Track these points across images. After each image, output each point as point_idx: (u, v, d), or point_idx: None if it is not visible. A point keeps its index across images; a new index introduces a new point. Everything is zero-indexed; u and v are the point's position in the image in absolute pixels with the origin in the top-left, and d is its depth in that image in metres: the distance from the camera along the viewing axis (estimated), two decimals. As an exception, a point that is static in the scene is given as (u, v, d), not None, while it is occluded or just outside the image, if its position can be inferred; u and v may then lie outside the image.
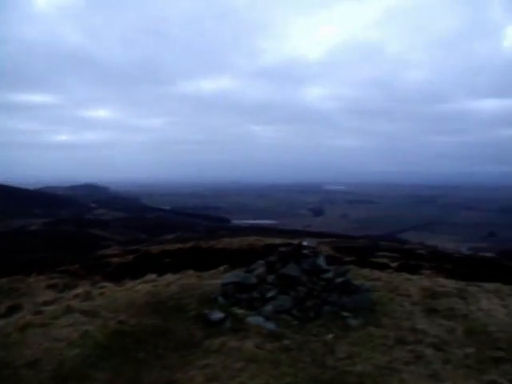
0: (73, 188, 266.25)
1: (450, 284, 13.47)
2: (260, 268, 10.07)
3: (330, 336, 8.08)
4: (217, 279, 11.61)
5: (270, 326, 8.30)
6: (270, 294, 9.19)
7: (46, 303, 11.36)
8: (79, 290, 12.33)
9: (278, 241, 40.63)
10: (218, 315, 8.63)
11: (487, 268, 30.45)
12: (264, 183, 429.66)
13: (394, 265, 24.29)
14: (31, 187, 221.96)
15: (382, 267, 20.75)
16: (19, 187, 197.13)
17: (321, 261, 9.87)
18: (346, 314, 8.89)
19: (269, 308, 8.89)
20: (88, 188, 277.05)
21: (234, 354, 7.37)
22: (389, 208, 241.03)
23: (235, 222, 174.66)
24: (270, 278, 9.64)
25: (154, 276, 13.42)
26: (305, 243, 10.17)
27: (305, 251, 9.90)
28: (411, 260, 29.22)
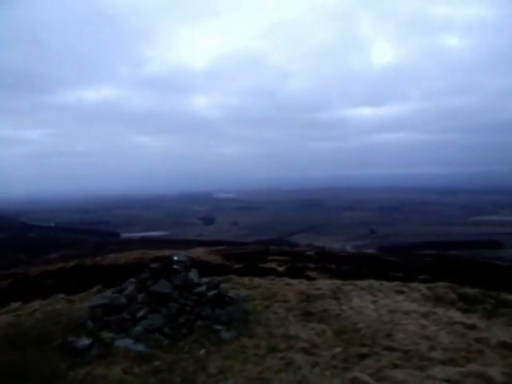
0: None
1: (326, 285, 14.01)
2: (130, 287, 9.65)
3: (202, 352, 7.92)
4: (88, 302, 10.95)
5: (140, 347, 7.91)
6: (140, 314, 8.79)
7: None
8: None
9: (167, 252, 39.86)
10: (84, 342, 8.05)
11: (368, 264, 32.49)
12: (153, 194, 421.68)
13: (281, 269, 24.88)
14: None
15: (270, 272, 21.14)
16: None
17: (193, 275, 9.70)
18: (219, 327, 8.78)
19: (139, 328, 8.48)
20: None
21: (101, 382, 6.93)
22: (277, 213, 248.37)
23: (124, 235, 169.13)
24: (141, 296, 9.25)
25: (18, 304, 12.32)
26: (175, 258, 9.94)
27: (176, 266, 9.67)
28: (299, 262, 30.21)
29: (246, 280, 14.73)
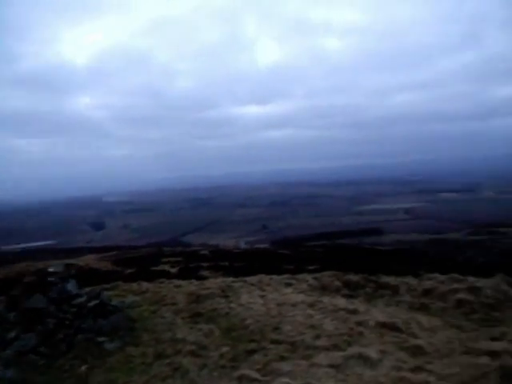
0: None
1: (215, 284, 13.97)
2: (-1, 306, 8.80)
3: (84, 368, 7.39)
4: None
5: (10, 373, 7.18)
6: (11, 335, 8.00)
7: None
8: None
9: (52, 263, 37.55)
10: None
11: (260, 259, 33.14)
12: (36, 201, 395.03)
13: (174, 270, 24.46)
14: None
15: (161, 275, 20.62)
16: None
17: (71, 286, 9.07)
18: (101, 338, 8.26)
19: (9, 352, 7.71)
20: None
21: None
22: (170, 213, 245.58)
23: (3, 248, 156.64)
24: (12, 315, 8.45)
25: None
26: (51, 269, 9.25)
27: (52, 278, 8.98)
28: (193, 262, 29.98)
29: (134, 286, 14.23)
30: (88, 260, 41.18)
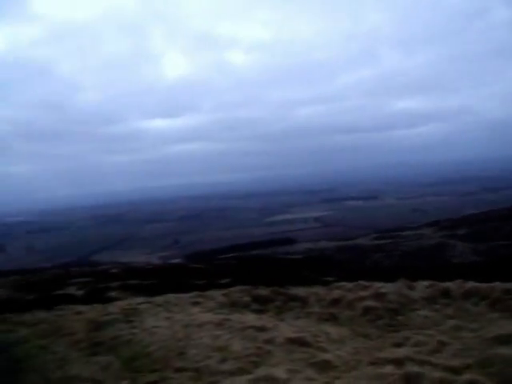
0: None
1: (118, 308, 13.16)
2: None
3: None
4: None
5: None
6: None
7: None
8: None
9: None
10: None
11: (173, 274, 32.20)
12: None
13: (80, 293, 22.97)
14: None
15: (66, 300, 19.17)
16: None
17: None
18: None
19: None
20: None
21: None
22: (77, 232, 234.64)
23: None
24: None
25: None
26: None
27: None
28: (102, 282, 28.41)
29: (27, 317, 12.95)
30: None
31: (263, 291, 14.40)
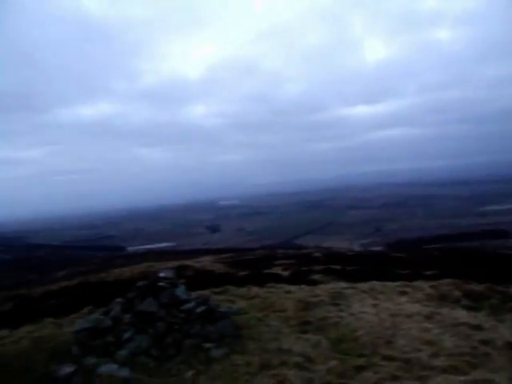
0: None
1: (326, 291, 13.52)
2: (116, 307, 9.18)
3: (190, 373, 7.42)
4: (75, 325, 10.50)
5: (124, 372, 7.40)
6: (126, 336, 8.29)
7: None
8: None
9: (170, 264, 39.46)
10: (66, 370, 7.58)
11: (375, 262, 31.97)
12: (157, 206, 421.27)
13: (286, 274, 24.37)
14: None
15: (272, 279, 20.60)
16: None
17: (180, 291, 9.23)
18: (208, 345, 8.28)
19: (124, 352, 8.00)
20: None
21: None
22: (282, 216, 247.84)
23: (130, 249, 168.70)
24: (127, 317, 8.76)
25: (5, 332, 11.86)
26: (162, 274, 9.50)
27: (161, 283, 9.22)
28: (306, 265, 29.68)
29: (243, 290, 14.21)
30: (204, 262, 42.68)
31: (476, 287, 13.30)
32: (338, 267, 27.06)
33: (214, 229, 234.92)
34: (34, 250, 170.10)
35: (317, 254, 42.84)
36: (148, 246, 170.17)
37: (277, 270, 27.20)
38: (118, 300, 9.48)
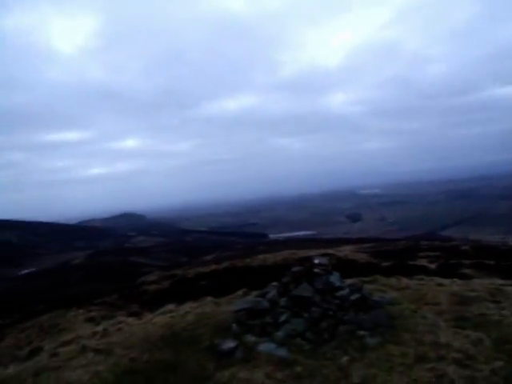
0: (111, 218, 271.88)
1: (482, 286, 12.74)
2: (272, 291, 9.70)
3: (345, 359, 7.57)
4: (233, 305, 11.29)
5: (282, 352, 7.87)
6: (282, 318, 8.76)
7: (64, 343, 11.30)
8: (99, 328, 12.25)
9: (312, 252, 40.02)
10: (229, 345, 8.29)
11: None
12: (297, 194, 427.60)
13: (432, 266, 23.46)
14: (72, 222, 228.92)
15: (419, 271, 19.93)
16: (62, 223, 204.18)
17: (334, 278, 9.41)
18: (362, 332, 8.36)
19: (281, 333, 8.47)
20: (125, 217, 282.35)
21: (242, 385, 7.01)
22: (427, 206, 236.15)
23: (272, 236, 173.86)
24: (283, 300, 9.23)
25: (172, 306, 13.22)
26: (316, 261, 9.75)
27: (317, 269, 9.47)
28: (452, 258, 28.18)
29: (392, 281, 14.00)
30: (345, 251, 42.55)
31: None
32: (491, 262, 25.19)
33: (354, 218, 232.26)
34: (184, 235, 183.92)
35: (465, 247, 40.28)
36: (288, 234, 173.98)
37: (422, 262, 26.23)
38: (274, 284, 9.99)
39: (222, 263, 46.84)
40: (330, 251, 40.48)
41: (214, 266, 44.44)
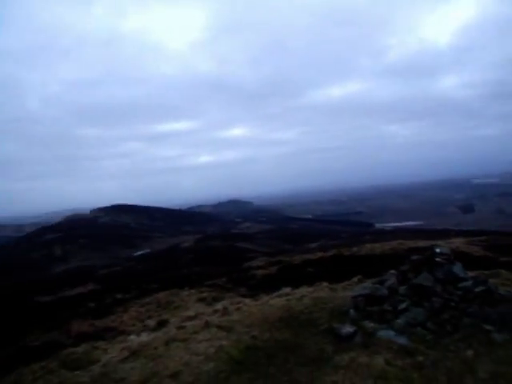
0: (218, 205, 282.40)
1: None
2: (391, 278, 9.60)
3: (470, 352, 7.32)
4: (349, 291, 11.37)
5: (402, 340, 7.82)
6: (401, 306, 8.66)
7: (188, 318, 12.17)
8: (219, 306, 12.99)
9: (421, 243, 38.63)
10: (348, 329, 8.41)
11: None
12: (405, 183, 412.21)
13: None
14: (182, 207, 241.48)
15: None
16: (173, 208, 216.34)
17: (457, 269, 9.10)
18: (488, 327, 8.00)
19: (401, 321, 8.39)
20: (232, 204, 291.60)
21: (363, 370, 7.05)
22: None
23: (378, 225, 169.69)
24: (402, 289, 9.11)
25: (288, 289, 13.62)
26: (438, 250, 9.48)
27: (438, 259, 9.22)
28: None
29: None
30: (456, 243, 40.57)
31: None
32: None
33: (466, 209, 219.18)
34: (288, 222, 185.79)
35: None
36: (395, 224, 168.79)
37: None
38: (392, 272, 9.89)
39: (328, 251, 46.90)
40: (439, 242, 38.82)
41: (320, 254, 44.66)
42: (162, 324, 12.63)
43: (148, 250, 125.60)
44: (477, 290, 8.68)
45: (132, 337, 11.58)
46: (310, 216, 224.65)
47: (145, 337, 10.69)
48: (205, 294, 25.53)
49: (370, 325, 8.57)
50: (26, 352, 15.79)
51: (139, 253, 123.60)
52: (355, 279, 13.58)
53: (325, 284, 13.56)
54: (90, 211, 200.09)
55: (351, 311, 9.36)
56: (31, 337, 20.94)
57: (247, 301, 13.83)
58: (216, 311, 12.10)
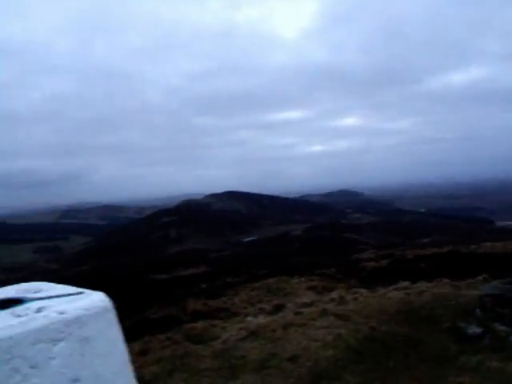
0: (329, 195, 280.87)
1: None
2: (526, 280, 8.99)
3: None
4: (474, 290, 10.79)
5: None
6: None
7: (305, 305, 12.37)
8: (334, 295, 13.04)
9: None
10: (474, 330, 8.01)
11: None
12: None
13: None
14: (292, 196, 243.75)
15: None
16: (283, 197, 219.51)
17: None
18: None
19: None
20: (343, 194, 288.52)
21: (494, 375, 6.69)
22: None
23: (500, 223, 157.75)
24: (538, 291, 8.52)
25: (406, 283, 13.27)
26: None
27: None
28: None
29: None
30: None
31: None
32: None
33: None
34: (399, 215, 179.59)
35: None
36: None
37: None
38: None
39: (442, 247, 44.77)
40: None
41: (434, 249, 42.78)
42: (278, 308, 12.99)
43: (256, 237, 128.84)
44: None
45: (249, 318, 12.06)
46: (423, 209, 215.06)
47: (262, 319, 11.07)
48: (315, 283, 25.65)
49: (501, 328, 8.08)
50: (149, 323, 17.03)
51: (248, 239, 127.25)
52: (480, 278, 12.86)
53: (446, 280, 13.01)
54: (204, 197, 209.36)
55: (477, 311, 8.88)
56: (150, 311, 22.57)
57: (364, 291, 13.71)
58: (332, 300, 12.16)
